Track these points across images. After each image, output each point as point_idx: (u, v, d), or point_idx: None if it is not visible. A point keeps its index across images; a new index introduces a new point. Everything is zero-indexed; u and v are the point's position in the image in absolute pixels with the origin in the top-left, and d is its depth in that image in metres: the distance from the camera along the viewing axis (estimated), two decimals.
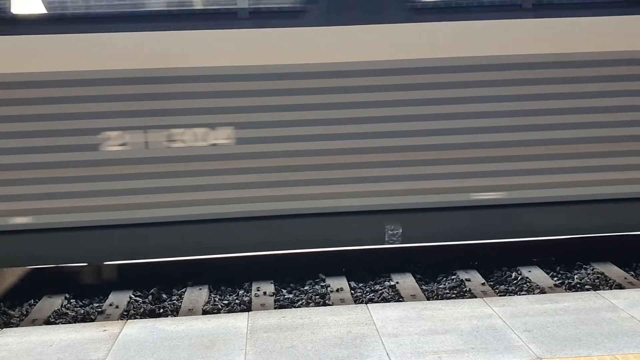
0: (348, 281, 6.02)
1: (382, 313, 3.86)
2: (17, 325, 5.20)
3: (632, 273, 6.20)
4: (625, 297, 4.02)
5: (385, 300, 5.64)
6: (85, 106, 3.96)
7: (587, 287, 5.84)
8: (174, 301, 5.70)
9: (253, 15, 4.02)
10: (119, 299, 5.67)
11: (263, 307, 5.51)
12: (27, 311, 5.51)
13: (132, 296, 5.74)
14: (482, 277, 6.09)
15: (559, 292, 5.41)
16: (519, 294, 5.73)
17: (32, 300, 5.70)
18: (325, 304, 5.56)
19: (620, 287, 5.78)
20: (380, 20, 4.07)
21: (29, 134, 3.94)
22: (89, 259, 4.44)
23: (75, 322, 5.31)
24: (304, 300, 5.68)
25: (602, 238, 6.22)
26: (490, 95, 4.18)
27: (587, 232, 4.88)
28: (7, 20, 3.87)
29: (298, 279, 6.09)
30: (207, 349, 3.41)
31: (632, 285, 5.78)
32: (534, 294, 5.70)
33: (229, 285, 5.99)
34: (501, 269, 6.28)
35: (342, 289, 5.81)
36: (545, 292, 5.67)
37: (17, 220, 4.04)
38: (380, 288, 5.95)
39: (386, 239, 4.34)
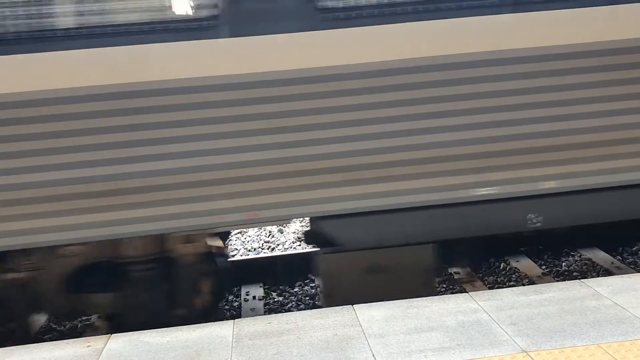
0: None
1: (368, 313, 3.84)
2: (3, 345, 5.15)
3: (619, 257, 6.23)
4: (609, 284, 4.02)
5: None
6: None
7: (575, 274, 5.87)
8: None
9: None
10: None
11: (253, 311, 5.49)
12: None
13: None
14: (471, 269, 6.11)
15: (545, 283, 5.42)
16: (508, 285, 5.75)
17: None
18: (315, 305, 5.55)
19: (608, 272, 5.81)
20: None
21: None
22: None
23: (62, 337, 5.26)
24: (293, 303, 5.66)
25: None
26: None
27: None
28: None
29: (287, 282, 6.08)
30: None
31: (619, 270, 5.80)
32: (522, 284, 5.72)
33: None
34: (489, 260, 6.30)
35: None
36: (534, 283, 5.69)
37: None
38: None
39: None
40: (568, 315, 3.62)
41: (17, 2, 3.76)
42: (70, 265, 4.26)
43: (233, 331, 3.72)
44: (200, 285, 4.44)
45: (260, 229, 7.70)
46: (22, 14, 3.77)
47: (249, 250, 7.06)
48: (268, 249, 7.07)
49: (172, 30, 3.85)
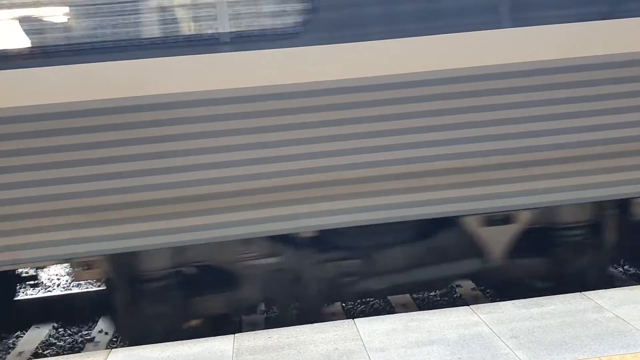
0: None
1: (369, 327, 3.84)
2: None
3: (621, 270, 6.21)
4: (610, 296, 4.02)
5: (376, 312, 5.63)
6: None
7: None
8: None
9: None
10: (109, 325, 5.61)
11: (254, 326, 5.47)
12: (13, 343, 5.44)
13: None
14: (472, 282, 6.09)
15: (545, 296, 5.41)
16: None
17: (20, 332, 5.64)
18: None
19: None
20: None
21: None
22: None
23: (63, 352, 5.25)
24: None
25: None
26: None
27: None
28: None
29: None
30: None
31: (621, 282, 5.79)
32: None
33: None
34: None
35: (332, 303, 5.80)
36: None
37: None
38: (371, 299, 5.94)
39: None
40: (569, 328, 3.61)
41: None
42: None
43: (233, 346, 3.71)
44: None
45: None
46: None
47: None
48: None
49: None
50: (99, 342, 5.30)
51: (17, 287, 6.31)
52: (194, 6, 3.91)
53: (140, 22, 3.88)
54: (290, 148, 4.00)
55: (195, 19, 3.93)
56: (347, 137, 4.05)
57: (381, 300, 5.84)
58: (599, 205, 4.65)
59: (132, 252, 4.08)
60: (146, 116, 3.84)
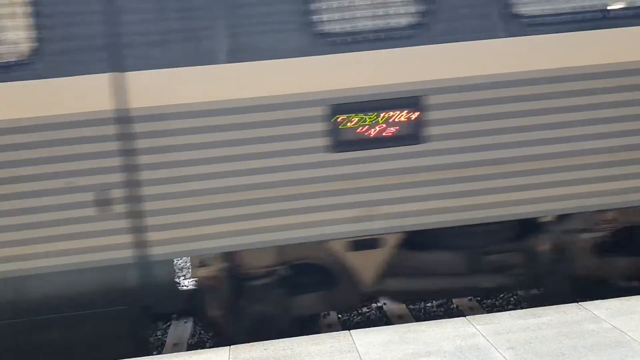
0: None
1: (365, 339, 3.81)
2: None
3: None
4: (607, 307, 4.00)
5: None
6: None
7: None
8: (159, 336, 5.62)
9: None
10: None
11: None
12: None
13: None
14: None
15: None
16: (507, 308, 5.72)
17: None
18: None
19: None
20: None
21: None
22: None
23: None
24: None
25: None
26: None
27: None
28: None
29: None
30: None
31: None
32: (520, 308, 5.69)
33: None
34: None
35: (328, 314, 5.77)
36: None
37: None
38: (368, 310, 5.91)
39: None
40: (566, 339, 3.60)
41: None
42: None
43: (229, 358, 3.69)
44: None
45: None
46: None
47: None
48: None
49: None
50: None
51: None
52: None
53: None
54: None
55: None
56: None
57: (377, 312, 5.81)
58: None
59: None
60: None
